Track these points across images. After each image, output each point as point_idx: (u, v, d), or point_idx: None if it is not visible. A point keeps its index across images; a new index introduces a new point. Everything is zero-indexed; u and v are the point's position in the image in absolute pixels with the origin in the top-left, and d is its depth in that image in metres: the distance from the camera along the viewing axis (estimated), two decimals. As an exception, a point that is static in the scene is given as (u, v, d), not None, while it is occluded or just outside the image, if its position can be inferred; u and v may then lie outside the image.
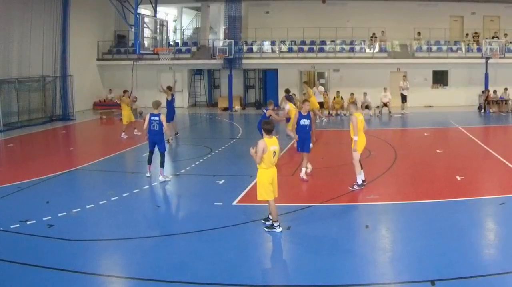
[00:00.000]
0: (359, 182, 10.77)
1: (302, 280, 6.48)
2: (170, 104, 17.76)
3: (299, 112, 11.71)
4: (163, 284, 6.36)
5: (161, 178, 11.80)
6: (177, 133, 18.27)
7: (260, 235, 8.32)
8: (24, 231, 8.20)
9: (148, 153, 12.19)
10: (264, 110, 14.52)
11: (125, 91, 19.66)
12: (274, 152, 8.13)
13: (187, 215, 9.70)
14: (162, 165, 11.87)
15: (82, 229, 8.44)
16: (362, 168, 10.80)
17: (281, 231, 8.14)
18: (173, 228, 8.82)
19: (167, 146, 13.02)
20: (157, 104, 12.13)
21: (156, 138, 11.88)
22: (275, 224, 8.22)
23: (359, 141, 10.61)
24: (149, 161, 12.18)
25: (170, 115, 17.37)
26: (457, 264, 6.68)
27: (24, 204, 9.92)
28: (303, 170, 11.72)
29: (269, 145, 8.06)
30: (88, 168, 13.38)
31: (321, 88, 24.70)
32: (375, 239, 7.93)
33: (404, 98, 25.47)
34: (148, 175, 12.13)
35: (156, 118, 11.74)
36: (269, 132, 8.19)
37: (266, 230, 8.25)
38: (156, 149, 11.95)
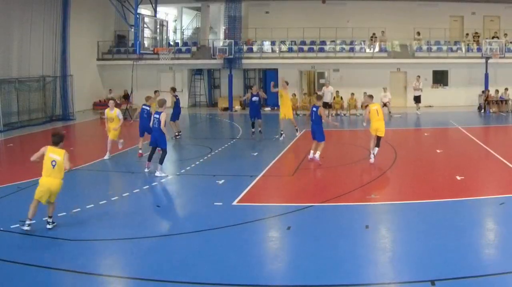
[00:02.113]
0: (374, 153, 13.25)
1: (302, 280, 6.47)
2: (176, 104, 18.17)
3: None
4: (163, 284, 6.36)
5: (157, 173, 12.13)
6: (180, 132, 18.21)
7: (260, 235, 8.33)
8: (24, 231, 8.20)
9: (150, 151, 12.66)
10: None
11: (155, 92, 19.52)
12: (54, 161, 8.14)
13: (187, 215, 9.70)
14: (161, 161, 12.21)
15: (82, 229, 8.44)
16: (378, 146, 13.26)
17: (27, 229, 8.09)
18: (173, 228, 8.82)
19: (172, 142, 13.35)
20: (162, 103, 12.38)
21: (156, 135, 12.25)
22: (27, 221, 8.14)
23: (371, 126, 13.35)
24: (150, 158, 12.57)
25: (176, 114, 17.83)
26: (457, 264, 6.67)
27: (24, 204, 9.86)
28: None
29: (50, 151, 8.18)
30: (88, 168, 13.37)
31: (331, 88, 24.54)
32: (375, 239, 7.93)
33: (416, 98, 25.42)
34: (146, 170, 12.50)
35: (157, 116, 12.13)
36: (55, 144, 8.31)
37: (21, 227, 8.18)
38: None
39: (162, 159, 12.20)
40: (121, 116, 14.07)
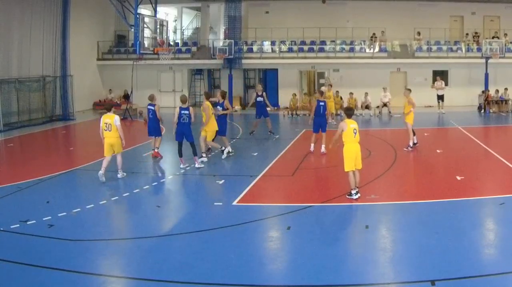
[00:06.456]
0: (411, 144, 14.88)
1: (302, 280, 6.47)
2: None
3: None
4: (163, 284, 6.36)
5: (197, 165, 12.88)
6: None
7: (260, 235, 8.33)
8: (24, 231, 8.20)
9: (177, 146, 12.98)
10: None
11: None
12: (355, 129, 9.69)
13: (187, 215, 9.70)
14: (194, 153, 12.99)
15: (82, 229, 8.44)
16: (414, 134, 15.00)
17: None
18: (173, 228, 8.82)
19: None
20: (185, 99, 13.26)
21: (185, 129, 12.79)
22: None
23: (410, 115, 14.72)
24: (180, 154, 12.95)
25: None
26: (457, 264, 6.68)
27: (24, 204, 9.92)
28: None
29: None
30: (88, 168, 13.37)
31: (324, 88, 24.50)
32: (375, 239, 7.93)
33: (440, 97, 25.55)
34: (182, 166, 12.86)
35: (186, 111, 12.77)
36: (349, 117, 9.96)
37: None
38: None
39: (195, 151, 12.96)
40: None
